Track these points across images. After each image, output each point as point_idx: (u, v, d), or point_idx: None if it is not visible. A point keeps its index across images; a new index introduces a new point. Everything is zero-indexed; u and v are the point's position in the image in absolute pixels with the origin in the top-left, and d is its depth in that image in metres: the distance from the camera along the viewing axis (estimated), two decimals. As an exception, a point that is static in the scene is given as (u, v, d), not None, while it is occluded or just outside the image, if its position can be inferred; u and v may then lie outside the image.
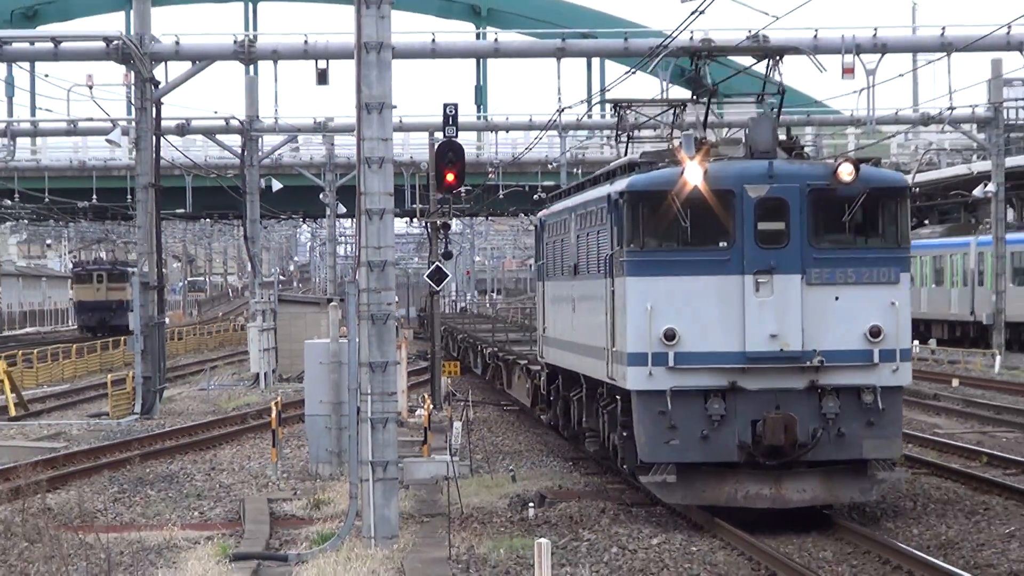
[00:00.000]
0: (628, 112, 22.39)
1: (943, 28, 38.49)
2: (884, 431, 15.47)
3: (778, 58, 17.53)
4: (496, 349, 39.28)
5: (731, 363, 15.46)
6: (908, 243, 16.66)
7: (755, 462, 15.27)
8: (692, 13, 23.91)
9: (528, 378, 29.84)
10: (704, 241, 15.86)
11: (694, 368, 15.53)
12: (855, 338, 15.43)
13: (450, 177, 32.52)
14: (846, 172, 15.22)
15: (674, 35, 28.52)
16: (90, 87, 45.97)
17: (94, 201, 67.38)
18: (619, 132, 22.81)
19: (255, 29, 59.43)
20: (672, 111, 23.36)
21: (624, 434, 16.83)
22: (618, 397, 17.26)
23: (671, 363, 15.47)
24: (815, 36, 37.17)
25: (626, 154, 20.82)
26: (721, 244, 15.72)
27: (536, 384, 28.48)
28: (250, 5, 63.56)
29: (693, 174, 15.13)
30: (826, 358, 15.20)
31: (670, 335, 15.31)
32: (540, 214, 25.78)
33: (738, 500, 15.41)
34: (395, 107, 18.80)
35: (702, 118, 20.12)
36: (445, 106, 35.31)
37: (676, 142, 17.89)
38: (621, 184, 16.46)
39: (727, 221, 15.54)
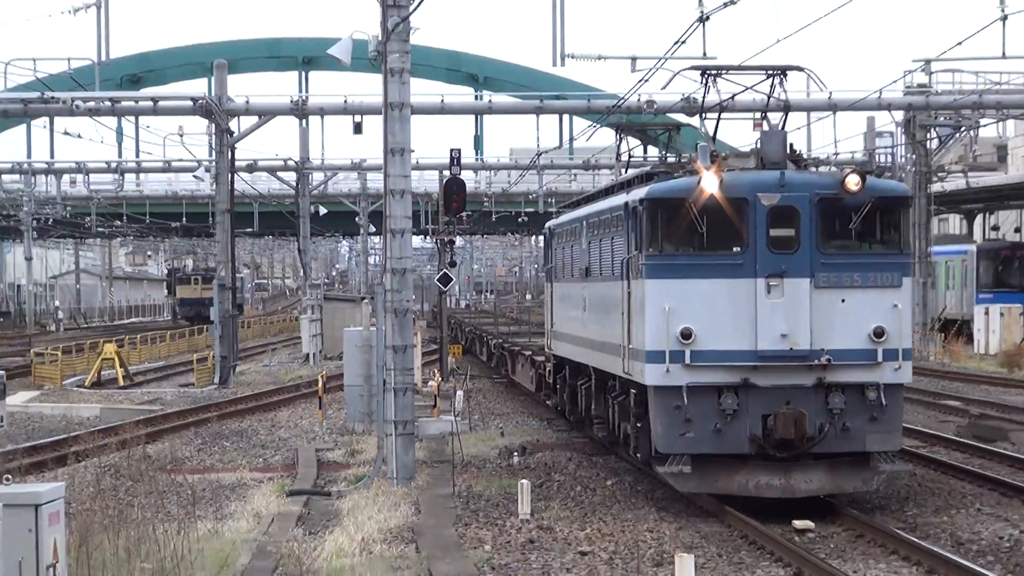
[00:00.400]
0: (626, 137, 19.97)
1: (831, 93, 38.08)
2: (886, 426, 13.56)
3: (782, 76, 15.72)
4: (501, 341, 35.89)
5: (744, 361, 13.43)
6: (910, 248, 14.42)
7: (765, 454, 13.35)
8: (639, 81, 23.64)
9: (532, 367, 27.07)
10: (719, 246, 13.70)
11: (709, 365, 13.43)
12: (860, 338, 13.35)
13: (455, 205, 31.08)
14: (853, 182, 13.25)
15: (625, 97, 27.88)
16: (180, 135, 45.32)
17: (183, 222, 66.76)
18: (619, 155, 20.25)
19: (307, 91, 58.71)
20: (667, 133, 21.19)
21: (639, 425, 14.60)
22: (632, 391, 14.92)
23: (687, 360, 13.41)
24: (732, 98, 36.56)
25: (625, 173, 18.68)
26: (735, 249, 13.59)
27: (540, 373, 25.65)
28: (303, 73, 62.97)
29: (710, 183, 13.27)
30: (833, 357, 13.21)
31: (686, 334, 13.30)
32: (549, 224, 22.48)
33: (749, 490, 13.47)
34: (413, 151, 17.96)
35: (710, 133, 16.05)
36: (451, 151, 33.70)
37: (693, 153, 15.23)
38: (640, 192, 14.31)
39: (741, 227, 13.41)
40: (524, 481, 14.62)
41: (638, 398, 14.50)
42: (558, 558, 12.59)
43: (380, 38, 15.99)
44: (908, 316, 13.95)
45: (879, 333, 13.21)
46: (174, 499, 14.61)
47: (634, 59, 35.18)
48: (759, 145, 14.61)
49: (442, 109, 40.16)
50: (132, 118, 46.84)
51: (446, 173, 39.19)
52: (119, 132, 52.19)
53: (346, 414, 24.70)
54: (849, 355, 13.26)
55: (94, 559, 10.77)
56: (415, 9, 16.00)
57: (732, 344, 13.35)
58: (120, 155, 54.11)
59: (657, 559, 11.99)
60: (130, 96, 43.12)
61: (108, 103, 37.22)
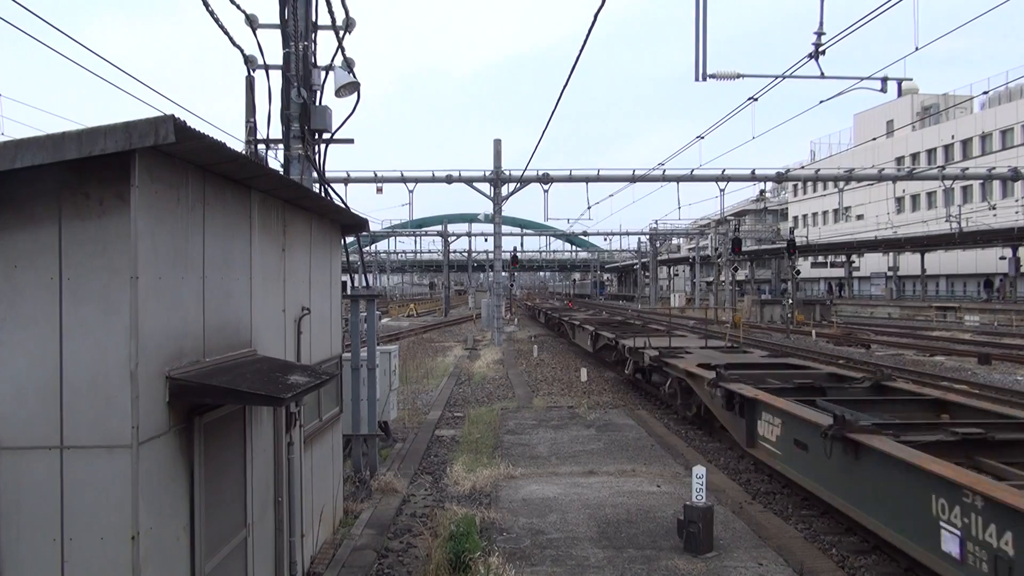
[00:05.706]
0: None
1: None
2: None
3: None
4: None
5: None
6: None
7: None
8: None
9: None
10: None
11: None
12: None
13: (514, 262, 49.76)
14: None
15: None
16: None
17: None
18: None
19: (471, 226, 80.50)
20: None
21: None
22: None
23: None
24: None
25: None
26: None
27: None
28: (469, 225, 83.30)
29: None
30: None
31: None
32: None
33: None
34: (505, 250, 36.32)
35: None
36: (514, 248, 57.40)
37: None
38: None
39: None
40: (535, 345, 31.10)
41: None
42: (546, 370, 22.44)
43: (492, 209, 35.99)
44: None
45: None
46: (430, 350, 29.62)
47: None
48: None
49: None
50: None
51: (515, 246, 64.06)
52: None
53: (483, 324, 44.35)
54: None
55: (407, 368, 22.75)
56: (509, 197, 38.23)
57: None
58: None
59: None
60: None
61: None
